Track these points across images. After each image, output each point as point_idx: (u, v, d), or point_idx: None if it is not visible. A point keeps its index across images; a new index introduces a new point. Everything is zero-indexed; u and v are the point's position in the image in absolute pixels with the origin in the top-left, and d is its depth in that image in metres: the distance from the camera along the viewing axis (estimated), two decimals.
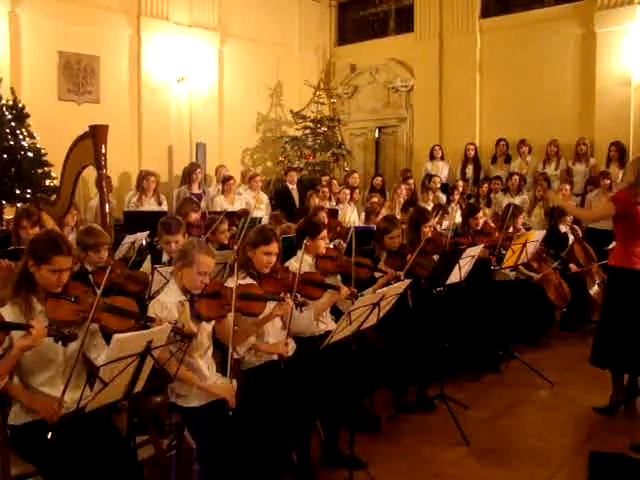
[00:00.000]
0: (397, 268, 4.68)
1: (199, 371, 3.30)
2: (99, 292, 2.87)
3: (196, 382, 3.22)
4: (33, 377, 2.85)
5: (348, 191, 8.97)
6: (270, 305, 3.60)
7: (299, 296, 3.67)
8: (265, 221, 6.78)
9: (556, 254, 6.71)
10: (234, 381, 3.24)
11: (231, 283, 3.50)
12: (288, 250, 4.59)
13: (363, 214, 8.23)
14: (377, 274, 4.57)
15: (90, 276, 3.98)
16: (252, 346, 3.65)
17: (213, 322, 3.43)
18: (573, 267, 6.72)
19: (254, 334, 3.65)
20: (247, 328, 3.57)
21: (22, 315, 2.80)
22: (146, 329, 2.80)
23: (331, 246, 4.90)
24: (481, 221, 5.92)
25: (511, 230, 6.00)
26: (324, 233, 4.39)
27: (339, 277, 4.45)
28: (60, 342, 2.70)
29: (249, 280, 3.70)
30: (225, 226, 5.43)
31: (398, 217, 7.06)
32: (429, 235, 5.10)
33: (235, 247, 4.41)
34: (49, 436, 2.58)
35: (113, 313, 2.99)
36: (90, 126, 5.98)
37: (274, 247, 3.75)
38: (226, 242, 5.40)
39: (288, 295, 3.58)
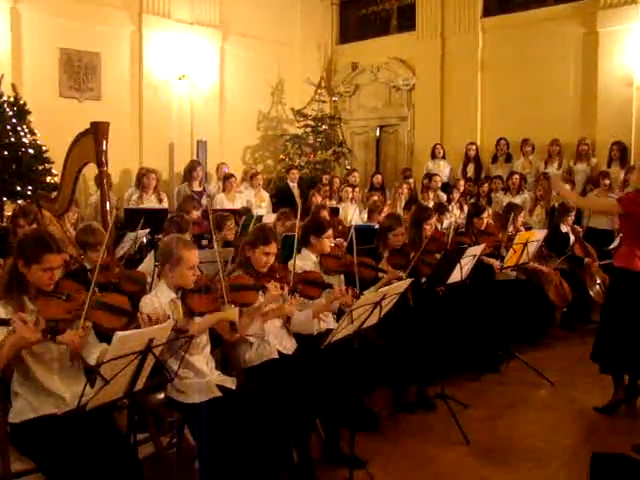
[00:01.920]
0: (399, 266, 4.68)
1: (197, 368, 3.30)
2: (90, 289, 2.85)
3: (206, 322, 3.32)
4: (30, 372, 2.84)
5: (350, 189, 8.97)
6: (262, 298, 3.61)
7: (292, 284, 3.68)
8: (266, 219, 6.77)
9: (562, 252, 6.69)
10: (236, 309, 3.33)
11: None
12: (288, 249, 4.59)
13: (364, 212, 8.24)
14: (379, 274, 4.56)
15: (89, 274, 3.97)
16: (256, 312, 3.62)
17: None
18: (588, 260, 6.69)
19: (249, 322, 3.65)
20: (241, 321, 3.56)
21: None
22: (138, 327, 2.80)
23: (332, 244, 4.89)
24: (485, 221, 5.92)
25: (511, 230, 6.00)
26: (330, 232, 4.39)
27: (342, 277, 4.44)
28: (49, 336, 2.62)
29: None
30: (232, 223, 5.43)
31: None
32: (429, 233, 5.11)
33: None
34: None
35: (105, 310, 2.96)
36: (91, 123, 5.96)
37: (273, 248, 3.76)
38: (231, 239, 5.41)
39: (273, 283, 3.58)
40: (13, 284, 2.85)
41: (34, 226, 4.79)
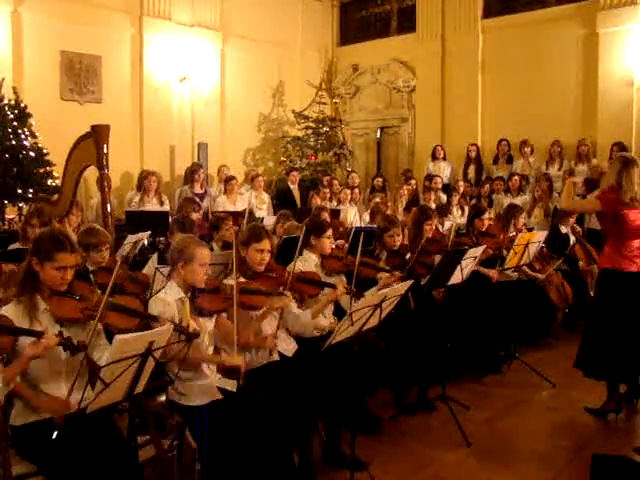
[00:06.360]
0: (397, 267, 4.67)
1: (199, 370, 3.30)
2: (107, 290, 2.85)
3: (207, 359, 3.32)
4: (36, 377, 2.85)
5: (349, 191, 8.97)
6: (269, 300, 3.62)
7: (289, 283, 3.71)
8: (267, 221, 6.78)
9: (562, 253, 6.68)
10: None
11: (229, 281, 3.54)
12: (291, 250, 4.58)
13: (366, 214, 8.24)
14: (380, 275, 4.55)
15: (91, 276, 3.98)
16: (263, 317, 3.65)
17: (214, 319, 3.44)
18: (582, 264, 6.68)
19: (254, 330, 3.65)
20: (246, 324, 3.57)
21: (26, 314, 2.80)
22: (149, 329, 2.81)
23: (333, 246, 4.89)
24: (486, 222, 5.91)
25: (512, 230, 5.99)
26: (329, 232, 4.39)
27: (344, 278, 4.44)
28: (69, 351, 2.68)
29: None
30: (230, 223, 5.44)
31: (400, 217, 7.07)
32: (429, 235, 5.10)
33: None
34: (54, 435, 2.60)
35: (118, 312, 3.00)
36: (92, 126, 5.97)
37: (266, 244, 3.76)
38: (231, 240, 5.41)
39: (288, 294, 3.59)
40: (27, 282, 2.87)
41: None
